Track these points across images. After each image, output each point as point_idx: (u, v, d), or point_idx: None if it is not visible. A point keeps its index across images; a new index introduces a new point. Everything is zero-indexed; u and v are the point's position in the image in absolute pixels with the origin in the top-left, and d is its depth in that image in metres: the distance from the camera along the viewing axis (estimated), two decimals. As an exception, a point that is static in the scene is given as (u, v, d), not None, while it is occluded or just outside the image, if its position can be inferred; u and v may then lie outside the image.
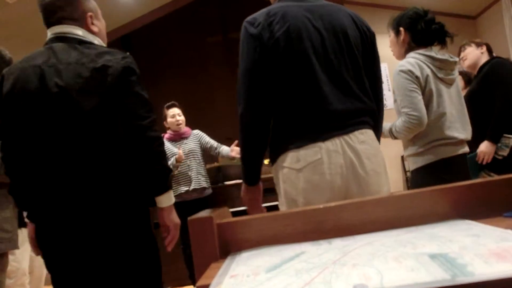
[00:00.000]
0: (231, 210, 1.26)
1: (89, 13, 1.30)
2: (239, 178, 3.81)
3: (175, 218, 1.30)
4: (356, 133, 1.10)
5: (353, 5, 4.95)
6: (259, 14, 1.14)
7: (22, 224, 1.93)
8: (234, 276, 0.49)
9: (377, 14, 4.75)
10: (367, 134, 1.14)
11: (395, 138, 1.73)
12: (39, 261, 2.66)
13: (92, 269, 1.17)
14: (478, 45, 2.33)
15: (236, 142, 3.13)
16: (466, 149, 1.69)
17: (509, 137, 1.92)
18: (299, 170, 1.08)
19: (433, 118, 1.62)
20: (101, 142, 1.15)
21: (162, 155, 1.23)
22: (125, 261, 1.19)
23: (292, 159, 1.09)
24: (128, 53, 1.26)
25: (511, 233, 0.48)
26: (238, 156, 3.11)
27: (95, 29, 1.31)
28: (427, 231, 0.57)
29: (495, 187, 0.62)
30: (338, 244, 0.58)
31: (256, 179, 1.21)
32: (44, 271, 2.73)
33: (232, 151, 3.11)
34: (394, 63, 1.75)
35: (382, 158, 1.17)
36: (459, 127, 1.67)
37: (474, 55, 2.32)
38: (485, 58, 2.30)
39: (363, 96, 1.15)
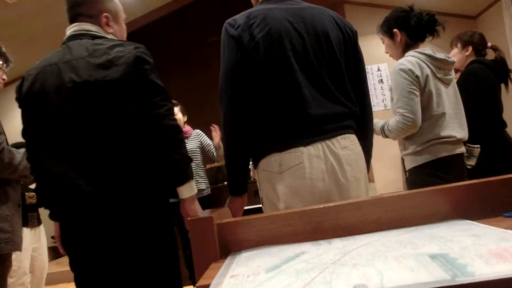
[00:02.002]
0: (231, 210, 1.26)
1: (105, 14, 1.31)
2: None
3: (198, 208, 1.27)
4: (339, 138, 1.09)
5: (353, 5, 4.95)
6: (240, 16, 1.14)
7: (23, 224, 1.92)
8: (234, 276, 0.49)
9: (377, 14, 4.75)
10: (350, 139, 1.12)
11: (386, 136, 1.73)
12: (41, 260, 2.67)
13: (115, 265, 1.17)
14: (464, 45, 2.28)
15: (216, 127, 3.15)
16: (462, 148, 1.69)
17: (473, 147, 1.93)
18: (280, 174, 1.07)
19: (432, 118, 1.62)
20: (120, 134, 1.14)
21: (181, 144, 1.21)
22: (148, 257, 1.19)
23: (273, 163, 1.08)
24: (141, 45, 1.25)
25: (511, 233, 0.48)
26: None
27: (109, 30, 1.31)
28: (427, 231, 0.57)
29: (495, 187, 0.62)
30: (338, 244, 0.58)
31: (240, 188, 1.17)
32: (45, 271, 2.73)
33: (214, 137, 3.14)
34: (393, 64, 1.75)
35: (363, 163, 1.16)
36: (457, 127, 1.67)
37: (459, 58, 2.27)
38: (471, 59, 2.26)
39: (345, 100, 1.14)
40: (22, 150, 1.59)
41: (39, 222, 2.74)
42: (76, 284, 1.22)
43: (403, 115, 1.59)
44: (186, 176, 1.22)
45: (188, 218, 0.65)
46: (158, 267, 1.21)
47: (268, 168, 1.10)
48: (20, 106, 1.23)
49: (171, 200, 1.28)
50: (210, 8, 5.43)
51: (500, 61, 2.21)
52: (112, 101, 1.14)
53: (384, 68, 4.77)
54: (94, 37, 1.24)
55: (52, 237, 5.39)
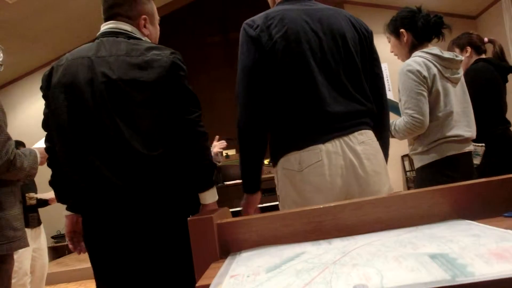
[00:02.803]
0: (231, 210, 1.26)
1: (144, 16, 1.32)
2: (239, 178, 3.83)
3: None
4: (356, 134, 1.11)
5: (353, 5, 4.95)
6: (258, 17, 1.16)
7: (25, 224, 1.93)
8: (234, 276, 0.49)
9: (377, 14, 4.76)
10: (367, 134, 1.14)
11: (392, 136, 1.74)
12: (41, 261, 2.67)
13: (136, 260, 1.17)
14: (462, 48, 2.27)
15: (217, 137, 3.14)
16: (471, 147, 1.69)
17: (478, 146, 1.94)
18: (300, 172, 1.09)
19: (440, 117, 1.63)
20: (151, 134, 1.15)
21: (209, 150, 1.24)
22: (168, 254, 1.19)
23: (293, 161, 1.10)
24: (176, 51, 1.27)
25: (511, 233, 0.48)
26: (220, 149, 3.12)
27: (146, 32, 1.33)
28: (427, 231, 0.57)
29: (495, 187, 0.62)
30: (338, 244, 0.58)
31: (255, 186, 1.20)
32: (46, 271, 2.74)
33: (213, 147, 3.12)
34: (394, 63, 1.75)
35: (382, 158, 1.18)
36: (465, 126, 1.67)
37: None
38: (473, 59, 2.26)
39: (362, 98, 1.16)
40: (26, 150, 1.60)
41: (39, 223, 2.75)
42: (96, 276, 1.22)
43: (412, 116, 1.59)
44: (212, 182, 1.25)
45: (188, 218, 0.65)
46: (177, 264, 1.20)
47: (288, 167, 1.12)
48: (44, 96, 1.22)
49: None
50: (210, 8, 5.44)
51: (501, 55, 2.21)
52: (146, 101, 1.15)
53: (384, 68, 4.77)
54: (130, 37, 1.25)
55: (52, 237, 5.40)
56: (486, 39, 2.28)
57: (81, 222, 1.26)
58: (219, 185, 4.02)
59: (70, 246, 1.32)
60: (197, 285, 0.51)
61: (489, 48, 2.30)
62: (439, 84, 1.63)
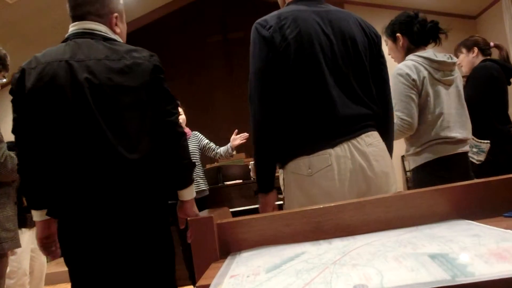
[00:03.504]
0: (231, 210, 1.27)
1: (115, 14, 1.31)
2: (239, 178, 3.83)
3: (196, 210, 1.33)
4: (363, 136, 1.12)
5: (353, 5, 4.95)
6: (270, 17, 1.16)
7: (21, 224, 1.93)
8: (234, 276, 0.49)
9: (377, 14, 4.75)
10: (373, 136, 1.15)
11: None
12: (39, 261, 2.66)
13: (112, 262, 1.17)
14: (469, 48, 2.31)
15: (236, 131, 3.15)
16: (466, 148, 1.71)
17: (482, 142, 1.94)
18: (310, 177, 1.09)
19: (430, 119, 1.66)
20: (134, 138, 1.16)
21: (188, 150, 1.28)
22: (144, 256, 1.20)
23: (302, 166, 1.11)
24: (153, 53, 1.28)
25: (511, 233, 0.48)
26: (242, 141, 3.13)
27: (117, 30, 1.32)
28: (427, 231, 0.57)
29: (495, 187, 0.62)
30: (338, 244, 0.58)
31: (270, 185, 1.20)
32: (44, 271, 2.73)
33: (233, 140, 3.12)
34: (393, 64, 1.76)
35: (389, 158, 1.19)
36: (458, 127, 1.69)
37: (467, 62, 2.32)
38: (479, 59, 2.30)
39: (370, 102, 1.17)
40: None
41: (38, 223, 2.74)
42: (72, 280, 1.22)
43: (401, 118, 1.64)
44: (191, 180, 1.28)
45: (189, 218, 0.65)
46: (154, 267, 1.22)
47: (297, 171, 1.12)
48: (15, 100, 1.18)
49: (170, 202, 1.31)
50: (210, 8, 5.43)
51: (507, 59, 2.25)
52: (131, 104, 1.16)
53: (384, 68, 4.77)
54: (105, 39, 1.24)
55: (52, 237, 5.39)
56: (492, 43, 2.33)
57: (54, 227, 1.23)
58: (219, 185, 4.02)
59: (43, 252, 1.29)
60: (197, 285, 0.51)
61: (494, 52, 2.34)
62: (429, 86, 1.66)
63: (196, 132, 3.25)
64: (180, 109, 3.13)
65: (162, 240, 1.24)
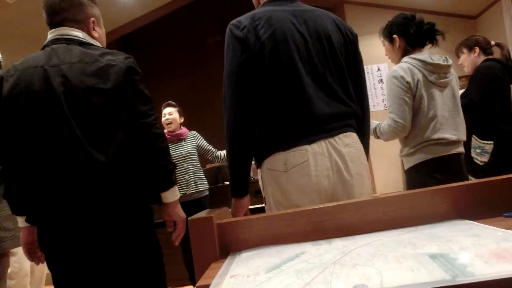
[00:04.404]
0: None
1: (92, 19, 1.31)
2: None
3: (181, 212, 1.31)
4: (341, 135, 1.11)
5: (353, 5, 4.94)
6: (244, 18, 1.15)
7: None
8: (234, 276, 0.49)
9: (377, 14, 4.75)
10: (351, 137, 1.15)
11: (378, 137, 1.81)
12: (40, 261, 2.66)
13: (96, 268, 1.17)
14: (470, 48, 2.31)
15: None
16: (460, 149, 1.72)
17: (486, 143, 1.94)
18: (286, 173, 1.08)
19: (423, 121, 1.67)
20: (108, 141, 1.15)
21: (167, 151, 1.25)
22: (128, 261, 1.19)
23: (278, 161, 1.09)
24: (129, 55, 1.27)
25: (511, 233, 0.48)
26: None
27: (95, 34, 1.32)
28: (427, 231, 0.57)
29: (495, 187, 0.62)
30: (338, 244, 0.58)
31: (243, 190, 1.19)
32: (45, 271, 2.73)
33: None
34: (393, 64, 1.77)
35: (365, 160, 1.18)
36: (451, 129, 1.70)
37: (469, 62, 2.32)
38: (481, 59, 2.29)
39: (347, 100, 1.16)
40: None
41: (39, 223, 2.74)
42: (55, 285, 1.21)
43: (395, 120, 1.67)
44: (172, 181, 1.26)
45: (189, 218, 0.65)
46: (140, 270, 1.21)
47: (273, 167, 1.11)
48: None
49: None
50: (210, 8, 5.43)
51: (509, 58, 2.25)
52: (104, 107, 1.15)
53: (384, 68, 4.77)
54: (81, 43, 1.24)
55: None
56: (493, 42, 2.33)
57: (36, 233, 1.24)
58: (219, 185, 4.02)
59: (28, 257, 1.30)
60: (197, 285, 0.51)
61: (496, 51, 2.33)
62: (423, 89, 1.68)
63: (194, 132, 3.23)
64: (174, 109, 3.12)
65: (141, 241, 1.22)
